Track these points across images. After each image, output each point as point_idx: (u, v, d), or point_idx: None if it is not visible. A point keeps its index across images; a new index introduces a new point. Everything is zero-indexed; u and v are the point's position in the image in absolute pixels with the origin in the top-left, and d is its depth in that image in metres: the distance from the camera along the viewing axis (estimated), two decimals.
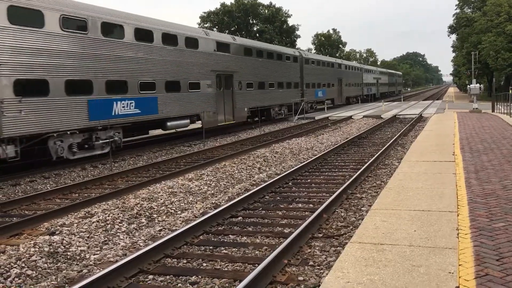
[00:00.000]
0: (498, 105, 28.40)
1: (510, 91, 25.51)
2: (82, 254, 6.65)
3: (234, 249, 6.61)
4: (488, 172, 8.83)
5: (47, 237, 7.25)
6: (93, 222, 8.08)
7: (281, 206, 8.96)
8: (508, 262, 4.43)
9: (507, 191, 7.25)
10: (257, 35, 66.94)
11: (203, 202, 9.59)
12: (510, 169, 9.00)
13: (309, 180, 11.35)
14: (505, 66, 50.16)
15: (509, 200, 6.71)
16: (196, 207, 9.17)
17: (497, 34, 51.03)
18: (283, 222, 7.94)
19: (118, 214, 8.59)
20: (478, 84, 32.27)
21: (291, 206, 8.92)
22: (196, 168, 13.39)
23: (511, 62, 46.86)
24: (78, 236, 7.40)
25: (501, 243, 4.96)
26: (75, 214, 8.78)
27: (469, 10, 63.77)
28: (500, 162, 9.85)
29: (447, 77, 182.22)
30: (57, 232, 7.62)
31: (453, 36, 69.56)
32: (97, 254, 6.67)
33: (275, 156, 15.27)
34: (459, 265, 4.49)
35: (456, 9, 65.21)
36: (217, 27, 66.77)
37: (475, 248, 4.86)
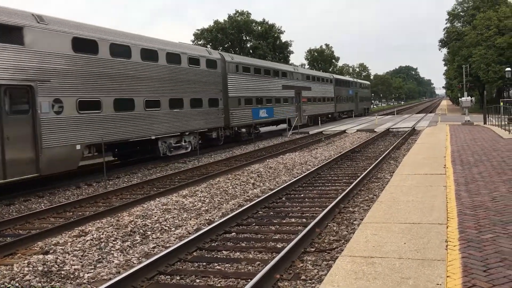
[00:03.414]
0: (489, 117, 28.69)
1: (501, 103, 25.83)
2: (76, 273, 6.67)
3: (227, 265, 6.66)
4: (478, 184, 8.95)
5: (41, 256, 7.27)
6: (87, 241, 8.11)
7: (274, 221, 9.02)
8: (494, 273, 4.52)
9: (495, 202, 7.36)
10: (251, 51, 67.48)
11: (197, 219, 9.64)
12: (499, 181, 9.13)
13: (302, 195, 11.43)
14: (496, 79, 50.88)
15: (498, 211, 6.81)
16: (190, 224, 9.21)
17: (488, 47, 51.86)
18: (276, 237, 8.00)
19: (112, 232, 8.62)
20: (469, 97, 32.65)
21: (284, 221, 8.98)
22: (190, 184, 13.45)
23: (502, 75, 47.49)
24: (72, 254, 7.42)
25: (489, 254, 5.05)
26: (69, 232, 8.80)
27: (459, 24, 64.79)
28: (490, 174, 9.98)
29: (440, 90, 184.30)
30: (51, 251, 7.64)
31: (444, 50, 70.54)
32: (91, 272, 6.69)
33: (269, 172, 15.35)
34: (447, 276, 4.57)
35: (446, 23, 66.30)
36: (210, 44, 67.27)
37: (463, 260, 4.94)
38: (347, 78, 63.13)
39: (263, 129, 33.19)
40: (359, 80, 68.58)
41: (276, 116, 31.31)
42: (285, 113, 33.13)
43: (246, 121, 26.90)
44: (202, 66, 22.17)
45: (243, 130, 26.88)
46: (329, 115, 45.31)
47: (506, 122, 22.19)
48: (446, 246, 5.48)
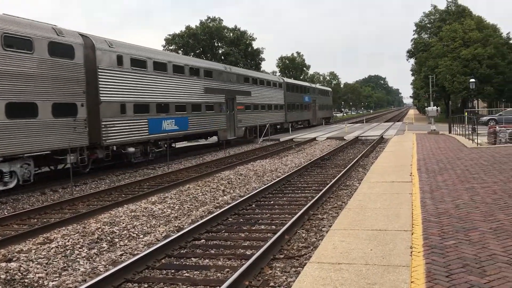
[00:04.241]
0: (454, 127, 29.54)
1: (465, 113, 26.67)
2: (40, 281, 6.51)
3: (196, 272, 6.63)
4: (442, 192, 9.20)
5: (3, 264, 7.06)
6: (52, 248, 7.93)
7: (244, 228, 9.03)
8: (456, 278, 4.66)
9: (458, 210, 7.59)
10: (222, 57, 67.55)
11: (166, 226, 9.55)
12: (462, 189, 9.41)
13: (272, 202, 11.48)
14: (460, 89, 52.43)
15: (461, 218, 7.03)
16: (159, 231, 9.12)
17: (453, 59, 53.46)
18: (246, 244, 8.01)
19: (78, 239, 8.45)
20: (435, 107, 33.61)
21: (254, 228, 9.00)
22: (159, 191, 13.32)
23: (466, 86, 49.01)
24: (36, 262, 7.24)
25: (451, 260, 5.20)
26: (33, 240, 8.58)
27: (426, 36, 66.57)
28: (453, 182, 10.28)
29: (408, 99, 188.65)
30: (14, 259, 7.42)
31: (412, 60, 72.26)
32: (55, 280, 6.54)
33: (239, 178, 15.36)
34: (411, 282, 4.68)
35: (414, 35, 68.01)
36: (182, 49, 67.02)
37: (427, 266, 5.07)
38: (302, 82, 54.28)
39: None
40: (318, 86, 61.48)
41: (193, 129, 23.74)
42: (209, 124, 25.58)
43: (136, 136, 18.95)
44: (40, 53, 14.38)
45: (131, 149, 18.68)
46: (278, 126, 38.62)
47: (470, 132, 22.90)
48: (411, 252, 5.61)
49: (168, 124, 21.22)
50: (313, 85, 56.90)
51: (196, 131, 24.34)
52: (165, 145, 21.40)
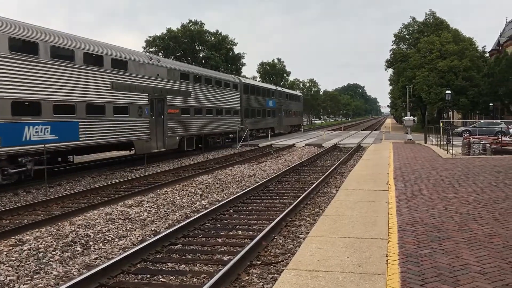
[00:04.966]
0: (430, 137, 30.05)
1: (441, 124, 27.18)
2: (11, 284, 6.35)
3: (172, 277, 6.56)
4: (418, 201, 9.34)
5: None
6: (24, 250, 7.75)
7: (221, 233, 8.99)
8: (430, 287, 4.72)
9: (433, 219, 7.71)
10: (203, 61, 67.36)
11: (142, 229, 9.44)
12: (437, 199, 9.57)
13: (250, 207, 11.47)
14: (437, 100, 53.53)
15: (435, 228, 7.14)
16: (135, 235, 9.01)
17: (430, 70, 54.58)
18: (223, 249, 7.97)
19: (51, 241, 8.28)
20: (411, 117, 34.17)
21: (231, 234, 8.98)
22: (136, 194, 13.17)
23: (442, 97, 49.99)
24: (8, 265, 7.06)
25: (426, 269, 5.27)
26: (5, 242, 8.37)
27: (405, 47, 67.74)
28: (429, 192, 10.44)
29: (385, 109, 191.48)
30: None
31: (390, 70, 73.39)
32: (27, 284, 6.39)
33: (217, 183, 15.31)
34: None
35: (393, 45, 69.13)
36: (162, 52, 66.61)
37: (402, 274, 5.13)
38: (266, 85, 47.94)
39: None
40: (285, 90, 53.96)
41: (88, 138, 17.18)
42: (119, 132, 19.01)
43: None
44: None
45: None
46: (230, 134, 32.90)
47: (445, 142, 23.34)
48: (387, 260, 5.67)
49: (37, 132, 14.73)
50: (280, 89, 50.24)
51: (95, 142, 17.60)
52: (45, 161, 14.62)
